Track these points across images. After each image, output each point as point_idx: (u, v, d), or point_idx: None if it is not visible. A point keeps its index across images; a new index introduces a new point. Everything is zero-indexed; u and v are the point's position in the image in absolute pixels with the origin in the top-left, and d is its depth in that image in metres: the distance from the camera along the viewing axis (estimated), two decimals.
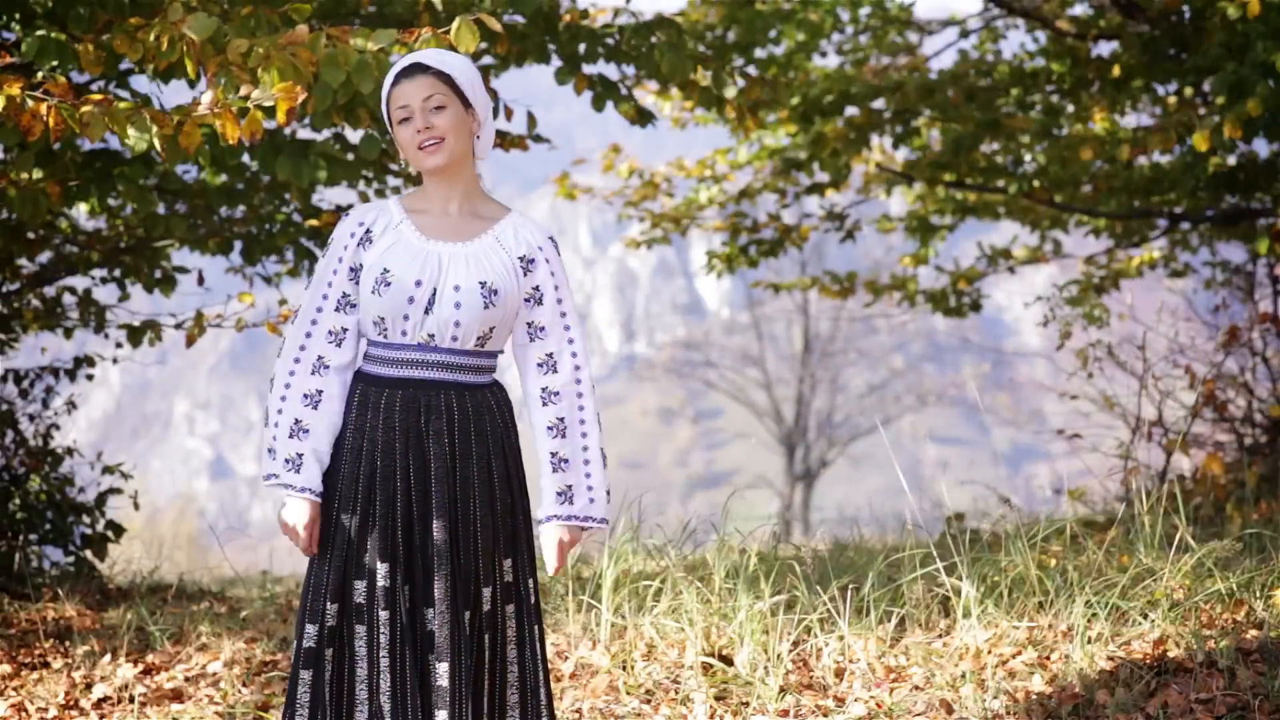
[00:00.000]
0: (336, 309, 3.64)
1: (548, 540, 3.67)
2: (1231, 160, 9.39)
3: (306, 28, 4.79)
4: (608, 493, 3.73)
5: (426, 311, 3.57)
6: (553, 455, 3.69)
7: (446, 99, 3.60)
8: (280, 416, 3.60)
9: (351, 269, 3.64)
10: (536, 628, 3.68)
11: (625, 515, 5.96)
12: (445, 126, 3.59)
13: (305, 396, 3.60)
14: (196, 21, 4.67)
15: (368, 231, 3.64)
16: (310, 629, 3.57)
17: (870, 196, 11.53)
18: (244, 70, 4.77)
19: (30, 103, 4.66)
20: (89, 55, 5.05)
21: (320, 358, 3.63)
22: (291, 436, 3.59)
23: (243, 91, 4.74)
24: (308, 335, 3.63)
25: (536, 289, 3.65)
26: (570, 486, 3.69)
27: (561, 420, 3.69)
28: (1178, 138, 7.66)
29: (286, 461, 3.59)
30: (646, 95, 10.23)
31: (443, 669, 3.50)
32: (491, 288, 3.58)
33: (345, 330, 3.65)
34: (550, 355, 3.68)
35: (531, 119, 6.76)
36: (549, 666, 3.76)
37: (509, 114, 6.63)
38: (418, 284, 3.57)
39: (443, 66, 3.62)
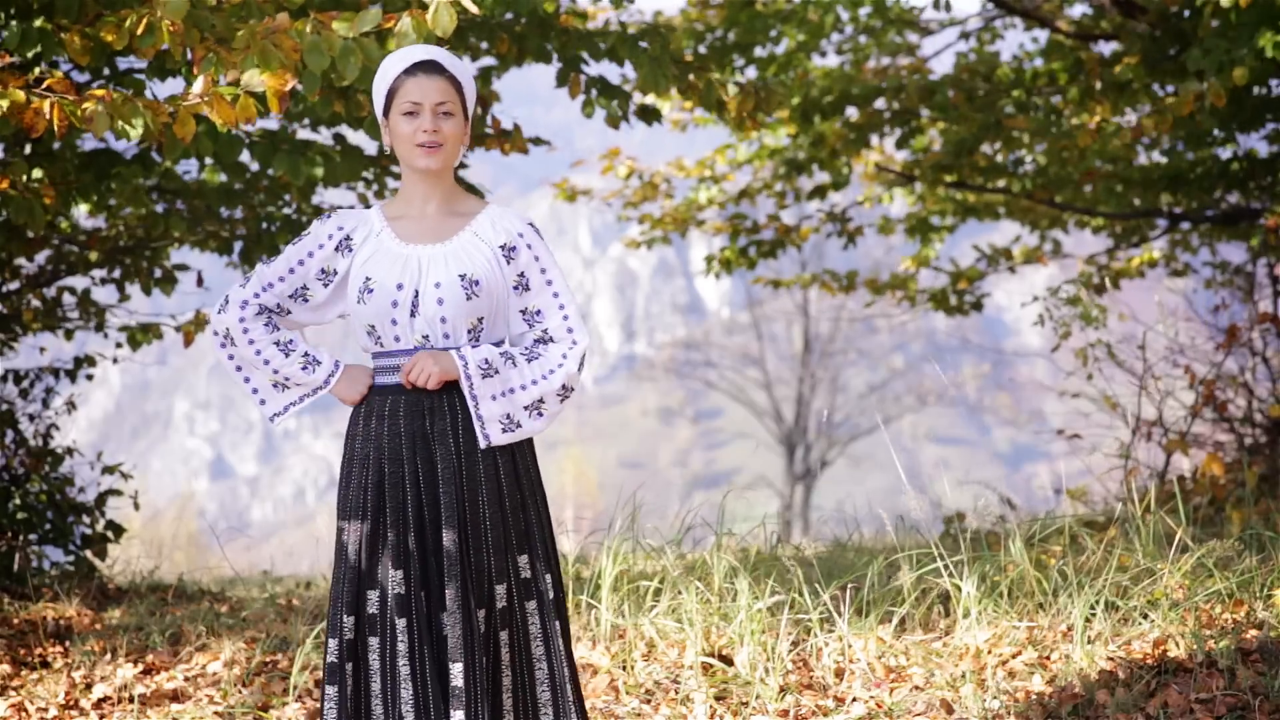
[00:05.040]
0: (291, 295, 3.69)
1: (428, 353, 3.57)
2: (1226, 154, 9.39)
3: (287, 16, 4.79)
4: (505, 419, 3.58)
5: (413, 314, 3.58)
6: (506, 354, 3.61)
7: (455, 107, 3.63)
8: (260, 354, 3.66)
9: (322, 270, 3.67)
10: (558, 623, 3.66)
11: (623, 514, 5.95)
12: (449, 133, 3.62)
13: (264, 331, 3.68)
14: (170, 2, 4.66)
15: (347, 238, 3.67)
16: (332, 643, 3.57)
17: (873, 204, 11.51)
18: (230, 54, 4.78)
19: (33, 100, 4.66)
20: (75, 44, 5.04)
21: (264, 312, 3.69)
22: (288, 356, 3.67)
23: (230, 77, 4.74)
24: (255, 295, 3.67)
25: (522, 275, 3.65)
26: (496, 371, 3.58)
27: (538, 353, 3.64)
28: (1172, 122, 7.69)
29: (303, 369, 3.65)
30: (647, 95, 10.22)
31: (457, 669, 3.49)
32: (472, 278, 3.59)
33: (288, 313, 3.70)
34: (547, 331, 3.68)
35: (517, 129, 6.77)
36: (575, 662, 3.72)
37: (496, 124, 6.65)
38: (399, 287, 3.58)
39: (456, 73, 3.64)
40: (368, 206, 3.79)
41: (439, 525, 3.56)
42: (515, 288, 3.66)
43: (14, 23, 5.13)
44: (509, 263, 3.64)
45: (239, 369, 3.71)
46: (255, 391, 3.71)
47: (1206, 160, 9.70)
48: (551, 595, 3.65)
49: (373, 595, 3.57)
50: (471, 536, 3.56)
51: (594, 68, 7.04)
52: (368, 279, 3.61)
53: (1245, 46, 7.27)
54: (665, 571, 5.57)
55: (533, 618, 3.63)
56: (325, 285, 3.68)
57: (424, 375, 3.55)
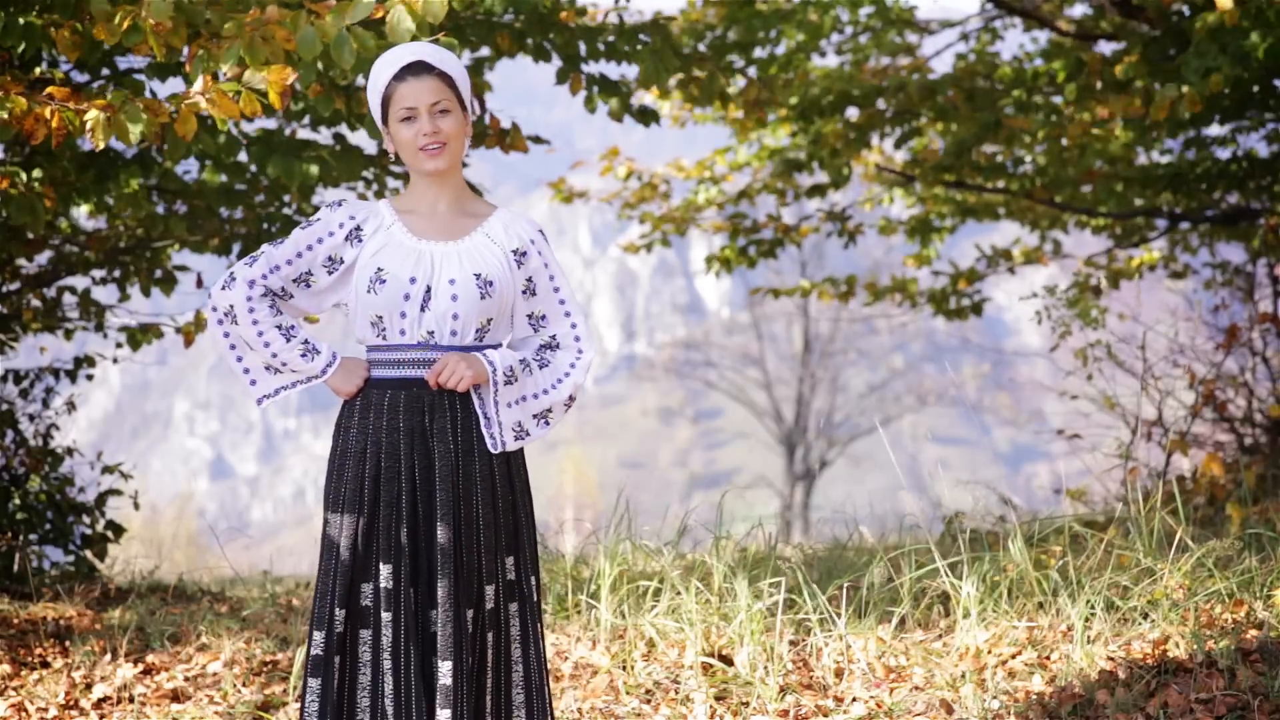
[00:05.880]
0: (295, 280, 3.66)
1: (459, 355, 3.57)
2: (1226, 154, 9.40)
3: (276, 8, 4.78)
4: (517, 426, 3.62)
5: (423, 309, 3.58)
6: (524, 362, 3.64)
7: (450, 104, 3.61)
8: (262, 335, 3.63)
9: (329, 257, 3.65)
10: (539, 625, 3.68)
11: (622, 515, 5.95)
12: (449, 131, 3.61)
13: (269, 313, 3.65)
14: (155, 3, 4.66)
15: (358, 228, 3.65)
16: (318, 636, 3.56)
17: (872, 205, 11.51)
18: (221, 49, 4.77)
19: (34, 107, 4.65)
20: (65, 40, 5.03)
21: (268, 295, 3.66)
22: (289, 340, 3.64)
23: (230, 74, 4.74)
24: (263, 277, 3.64)
25: (530, 280, 3.67)
26: (515, 379, 3.61)
27: (547, 360, 3.68)
28: (1144, 102, 7.72)
29: (303, 356, 3.64)
30: (647, 95, 10.22)
31: (446, 668, 3.49)
32: (486, 279, 3.59)
33: (290, 297, 3.67)
34: (554, 337, 3.70)
35: (516, 129, 6.76)
36: (548, 665, 3.74)
37: (495, 124, 6.64)
38: (412, 280, 3.58)
39: (445, 68, 3.63)
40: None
41: (432, 521, 3.56)
42: (523, 292, 3.67)
43: (1, 13, 5.11)
44: (519, 267, 3.65)
45: (233, 347, 3.68)
46: (246, 371, 3.69)
47: (1206, 160, 9.70)
48: (534, 599, 3.66)
49: (366, 588, 3.57)
50: (464, 536, 3.57)
51: (593, 66, 7.04)
52: (380, 270, 3.59)
53: (1231, 51, 7.31)
54: (664, 572, 5.57)
55: (515, 619, 3.64)
56: (330, 273, 3.66)
57: (456, 377, 3.54)
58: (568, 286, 3.71)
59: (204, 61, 4.81)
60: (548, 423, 3.66)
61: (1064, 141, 9.83)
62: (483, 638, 3.58)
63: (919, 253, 11.59)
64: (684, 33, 9.61)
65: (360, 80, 5.81)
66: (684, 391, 61.82)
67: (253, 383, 3.69)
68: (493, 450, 3.59)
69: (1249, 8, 7.26)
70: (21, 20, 5.15)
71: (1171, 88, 7.45)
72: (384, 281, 3.58)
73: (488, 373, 3.57)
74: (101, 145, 4.68)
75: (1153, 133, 9.66)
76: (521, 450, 3.71)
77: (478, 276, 3.59)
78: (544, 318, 3.69)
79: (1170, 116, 7.55)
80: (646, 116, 7.13)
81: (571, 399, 3.67)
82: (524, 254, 3.66)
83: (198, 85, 4.71)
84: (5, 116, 4.61)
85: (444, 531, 3.54)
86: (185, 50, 4.95)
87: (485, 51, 7.44)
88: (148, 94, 6.22)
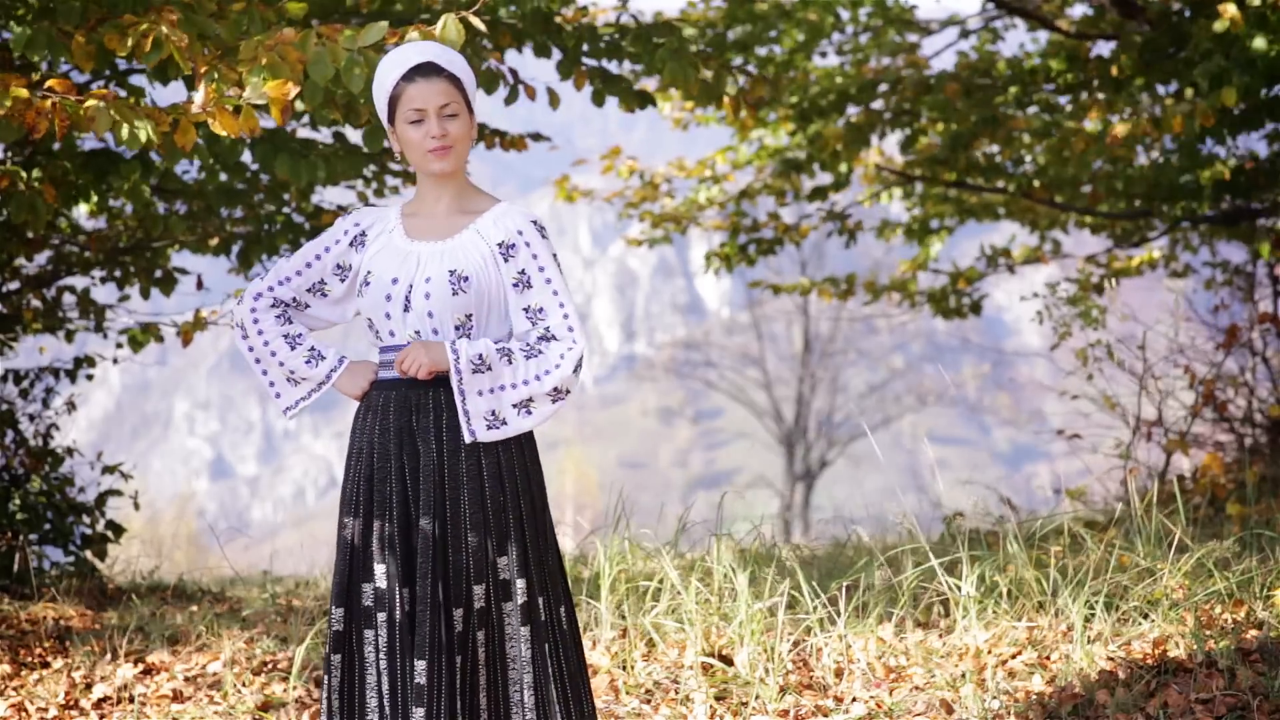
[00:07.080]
0: (310, 290, 3.72)
1: (420, 343, 3.58)
2: (1231, 161, 9.40)
3: (293, 30, 4.80)
4: (490, 415, 3.57)
5: (405, 309, 3.60)
6: (504, 350, 3.59)
7: (458, 106, 3.63)
8: (269, 345, 3.70)
9: (338, 265, 3.71)
10: (528, 627, 3.62)
11: (622, 515, 5.95)
12: (457, 134, 3.63)
13: (275, 323, 3.71)
14: (181, 22, 4.70)
15: (362, 234, 3.71)
16: (328, 633, 3.63)
17: (871, 203, 11.51)
18: (233, 69, 4.80)
19: (35, 101, 4.67)
20: (81, 49, 5.05)
21: (277, 305, 3.72)
22: (294, 349, 3.70)
23: (231, 91, 4.76)
24: (270, 289, 3.71)
25: (523, 273, 3.64)
26: (489, 367, 3.57)
27: (539, 350, 3.62)
28: (1154, 125, 7.72)
29: (307, 363, 3.69)
30: (648, 81, 10.21)
31: (420, 666, 3.50)
32: (461, 275, 3.59)
33: (307, 308, 3.74)
34: (549, 329, 3.67)
35: (554, 95, 6.69)
36: (562, 664, 3.69)
37: (530, 93, 6.59)
38: (394, 281, 3.62)
39: (453, 70, 3.64)
40: (367, 204, 3.82)
41: (420, 521, 3.58)
42: (515, 285, 3.65)
43: (22, 27, 5.13)
44: (506, 260, 3.64)
45: (258, 361, 3.74)
46: (271, 385, 3.74)
47: (1207, 166, 9.69)
48: (524, 600, 3.60)
49: (367, 588, 3.60)
50: (451, 535, 3.57)
51: (596, 62, 7.02)
52: (369, 273, 3.65)
53: (1236, 60, 7.31)
54: (664, 571, 5.57)
55: (509, 619, 3.62)
56: (342, 280, 3.72)
57: (414, 365, 3.57)
58: (560, 278, 3.66)
59: (214, 79, 4.82)
60: (530, 412, 3.58)
61: (1062, 130, 9.82)
62: (473, 637, 3.58)
63: (916, 256, 11.59)
64: (684, 38, 9.60)
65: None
66: (684, 391, 61.85)
67: (277, 395, 3.75)
68: (465, 439, 3.57)
69: (1250, 13, 7.26)
70: (42, 29, 5.16)
71: (1183, 104, 7.45)
72: (369, 284, 3.64)
73: (449, 360, 3.56)
74: (102, 134, 4.69)
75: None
76: (525, 452, 3.68)
77: (452, 273, 3.59)
78: (541, 310, 3.65)
79: (1185, 130, 7.54)
80: (643, 100, 7.10)
81: (559, 390, 3.60)
82: (511, 246, 3.63)
83: (199, 97, 4.72)
84: (5, 109, 4.61)
85: (426, 529, 3.55)
86: (194, 66, 4.96)
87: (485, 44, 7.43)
88: (148, 98, 6.22)
